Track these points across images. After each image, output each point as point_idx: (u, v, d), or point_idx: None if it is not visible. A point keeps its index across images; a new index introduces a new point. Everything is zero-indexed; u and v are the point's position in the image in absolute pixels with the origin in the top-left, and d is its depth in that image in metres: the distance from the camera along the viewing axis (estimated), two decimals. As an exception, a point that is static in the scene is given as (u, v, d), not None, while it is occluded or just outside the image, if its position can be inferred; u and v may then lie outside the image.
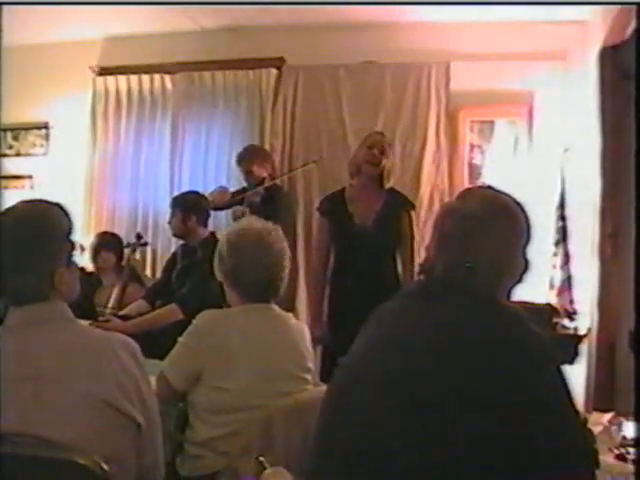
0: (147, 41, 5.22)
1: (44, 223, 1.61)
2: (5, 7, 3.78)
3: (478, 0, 4.24)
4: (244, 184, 4.61)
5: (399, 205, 3.83)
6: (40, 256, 1.58)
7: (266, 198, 4.33)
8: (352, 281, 3.73)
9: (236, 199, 4.44)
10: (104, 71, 5.42)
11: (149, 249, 5.15)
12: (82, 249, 4.47)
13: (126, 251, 4.59)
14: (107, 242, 4.62)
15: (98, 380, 1.52)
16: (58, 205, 1.68)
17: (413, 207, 3.96)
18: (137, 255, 4.75)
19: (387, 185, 3.83)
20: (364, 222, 3.76)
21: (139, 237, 4.64)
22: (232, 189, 4.67)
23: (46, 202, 1.68)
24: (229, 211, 4.52)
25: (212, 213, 4.11)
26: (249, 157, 4.53)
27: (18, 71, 4.98)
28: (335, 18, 4.74)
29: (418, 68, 4.81)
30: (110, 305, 4.14)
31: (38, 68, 5.33)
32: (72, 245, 1.68)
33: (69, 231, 1.66)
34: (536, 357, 1.41)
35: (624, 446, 2.07)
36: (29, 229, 1.58)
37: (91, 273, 4.47)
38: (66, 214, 1.67)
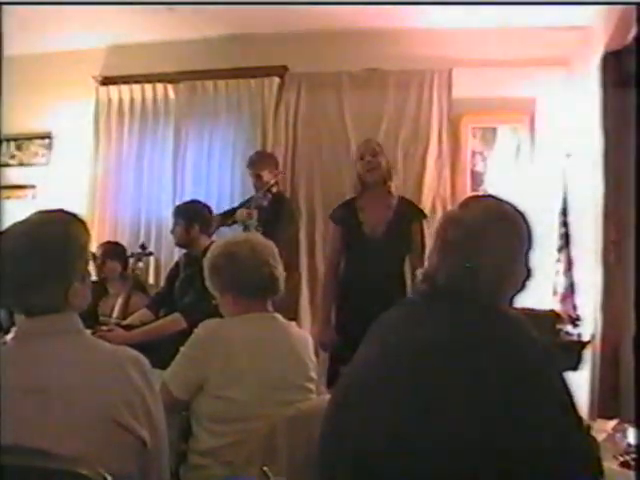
0: (150, 50, 5.23)
1: (63, 237, 1.57)
2: (9, 14, 3.77)
3: (479, 0, 4.24)
4: (246, 191, 4.64)
5: (410, 215, 3.86)
6: (57, 270, 1.55)
7: (273, 202, 4.38)
8: (360, 289, 3.75)
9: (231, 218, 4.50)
10: (107, 80, 5.43)
11: (152, 258, 5.14)
12: (94, 257, 4.44)
13: (130, 261, 4.60)
14: (112, 251, 4.65)
15: (104, 396, 1.50)
16: (76, 217, 1.64)
17: (425, 216, 3.97)
18: (141, 265, 4.75)
19: (391, 183, 3.87)
20: (374, 232, 3.80)
21: (143, 247, 4.64)
22: (236, 198, 4.74)
23: (65, 212, 1.64)
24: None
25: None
26: (260, 162, 4.58)
27: (21, 80, 4.98)
28: (337, 25, 4.75)
29: (420, 75, 4.82)
30: (114, 315, 4.14)
31: (41, 77, 5.34)
32: (88, 258, 1.65)
33: (86, 244, 1.63)
34: (536, 363, 1.41)
35: (629, 453, 2.06)
36: (48, 242, 1.55)
37: (95, 282, 4.46)
38: (85, 226, 1.64)
